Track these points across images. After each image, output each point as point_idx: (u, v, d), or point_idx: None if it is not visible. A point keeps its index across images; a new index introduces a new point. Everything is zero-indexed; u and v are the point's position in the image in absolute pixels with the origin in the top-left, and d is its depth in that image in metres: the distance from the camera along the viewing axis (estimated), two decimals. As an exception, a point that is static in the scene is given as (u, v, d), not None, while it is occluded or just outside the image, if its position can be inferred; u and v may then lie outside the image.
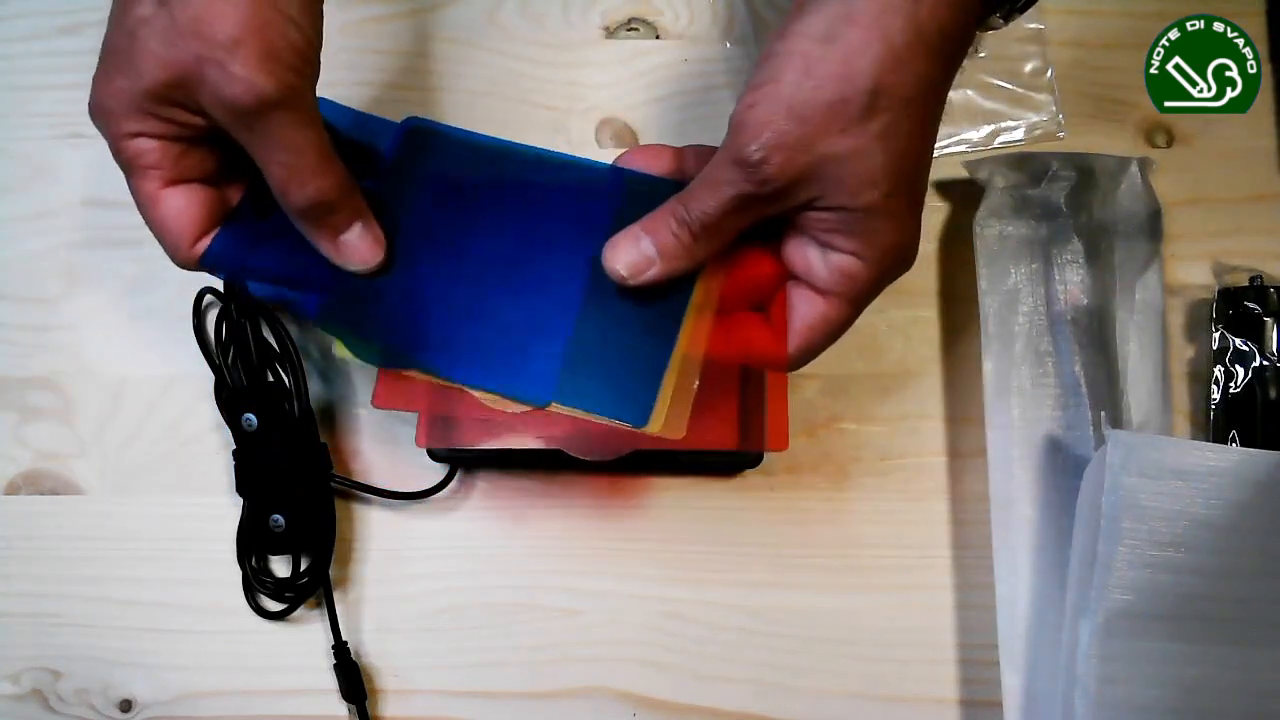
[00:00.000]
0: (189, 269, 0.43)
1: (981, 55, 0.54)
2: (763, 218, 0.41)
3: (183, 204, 0.42)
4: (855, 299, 0.42)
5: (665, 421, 0.42)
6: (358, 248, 0.43)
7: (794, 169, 0.38)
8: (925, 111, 0.39)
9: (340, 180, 0.42)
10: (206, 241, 0.43)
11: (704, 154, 0.45)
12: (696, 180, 0.41)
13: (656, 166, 0.45)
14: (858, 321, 0.52)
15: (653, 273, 0.42)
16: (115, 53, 0.40)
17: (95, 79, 0.40)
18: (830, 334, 0.43)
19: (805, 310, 0.42)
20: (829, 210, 0.40)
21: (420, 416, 0.46)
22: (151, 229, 0.43)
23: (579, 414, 0.43)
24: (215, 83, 0.38)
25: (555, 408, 0.43)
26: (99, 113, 0.41)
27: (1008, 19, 0.39)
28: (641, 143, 0.54)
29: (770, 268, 0.43)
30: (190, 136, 0.41)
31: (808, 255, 0.42)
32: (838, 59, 0.37)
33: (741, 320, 0.44)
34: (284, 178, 0.40)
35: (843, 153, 0.38)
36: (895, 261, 0.41)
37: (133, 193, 0.42)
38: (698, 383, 0.43)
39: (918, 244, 0.41)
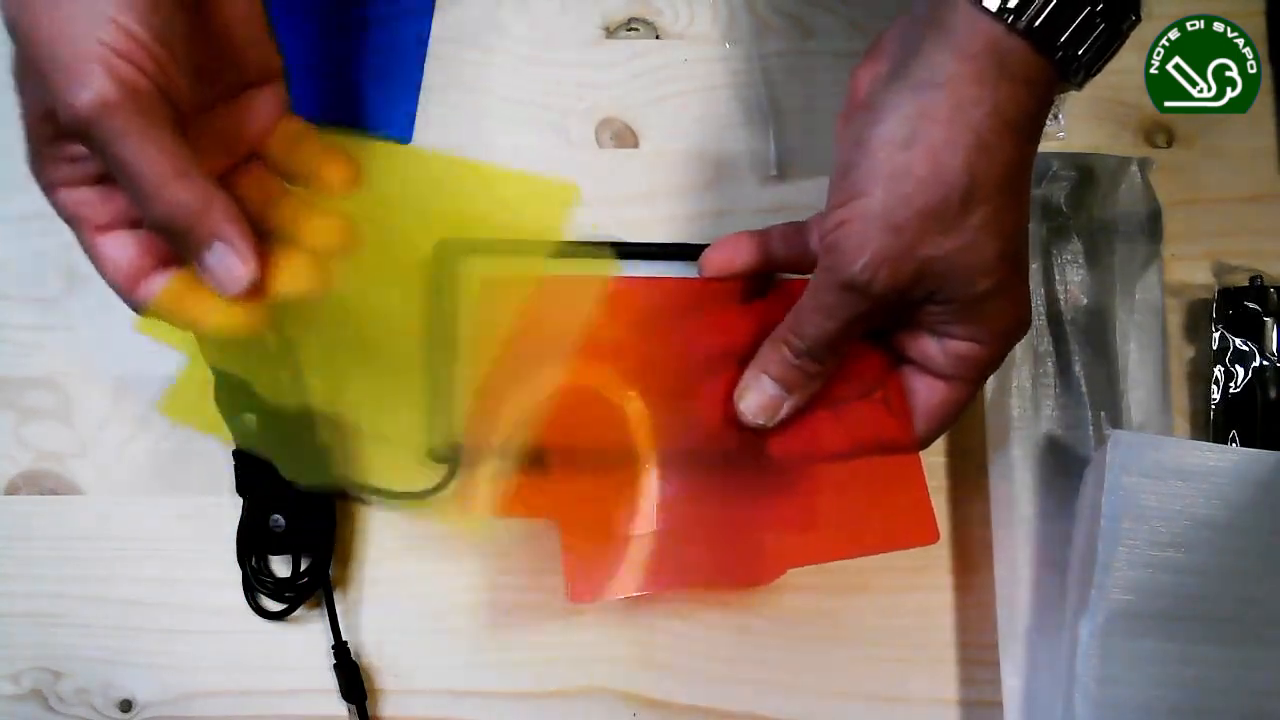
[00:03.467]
0: (141, 314, 0.41)
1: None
2: (880, 326, 0.41)
3: (118, 250, 0.40)
4: (978, 380, 0.42)
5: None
6: (216, 270, 0.38)
7: (903, 279, 0.38)
8: (1019, 192, 0.39)
9: (192, 197, 0.37)
10: (150, 283, 0.40)
11: (789, 235, 0.45)
12: (803, 306, 0.41)
13: (741, 259, 0.45)
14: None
15: (787, 409, 0.42)
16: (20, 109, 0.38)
17: None
18: (956, 414, 0.43)
19: (927, 395, 0.42)
20: (942, 304, 0.39)
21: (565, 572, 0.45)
22: (100, 274, 0.41)
23: None
24: (54, 106, 0.36)
25: None
26: (31, 171, 0.39)
27: (1082, 85, 0.39)
28: (642, 144, 0.54)
29: (880, 358, 0.43)
30: (99, 175, 0.39)
31: (923, 345, 0.42)
32: (925, 161, 0.37)
33: (860, 410, 0.44)
34: (131, 194, 0.37)
35: (950, 252, 0.38)
36: (1014, 336, 0.41)
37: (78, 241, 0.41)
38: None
39: (1030, 310, 0.41)
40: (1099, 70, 0.39)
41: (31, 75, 0.37)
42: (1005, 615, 0.48)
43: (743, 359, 0.44)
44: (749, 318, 0.45)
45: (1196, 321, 0.52)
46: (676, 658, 0.50)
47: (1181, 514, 0.44)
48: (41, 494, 0.51)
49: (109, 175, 0.38)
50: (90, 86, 0.35)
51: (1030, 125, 0.38)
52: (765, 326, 0.43)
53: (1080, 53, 0.37)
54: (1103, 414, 0.47)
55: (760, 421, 0.43)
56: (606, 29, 0.55)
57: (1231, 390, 0.51)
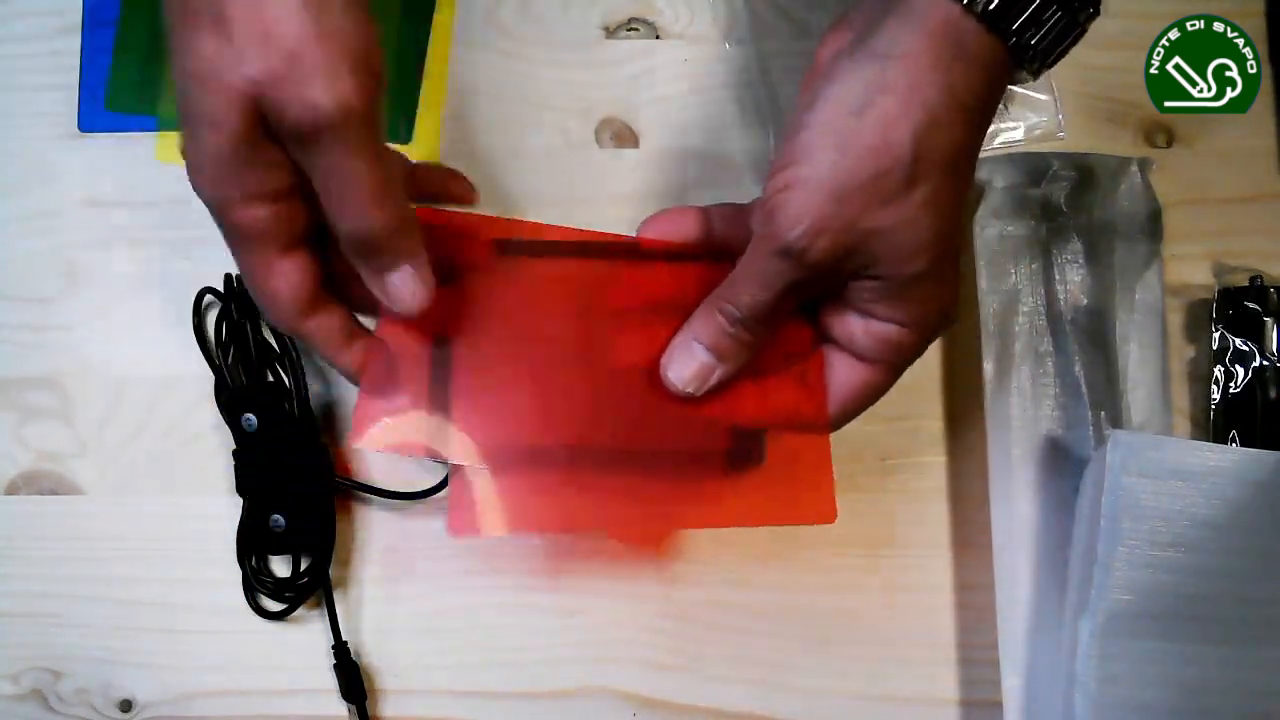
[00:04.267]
0: (291, 334, 0.42)
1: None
2: (811, 297, 0.41)
3: (294, 276, 0.40)
4: (898, 366, 0.42)
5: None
6: (400, 291, 0.40)
7: (840, 249, 0.38)
8: (962, 174, 0.39)
9: (395, 216, 0.38)
10: (320, 316, 0.41)
11: (728, 215, 0.45)
12: (738, 273, 0.41)
13: (681, 231, 0.45)
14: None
15: (717, 377, 0.42)
16: (191, 108, 0.36)
17: (184, 151, 0.37)
18: (872, 399, 0.43)
19: (845, 376, 0.42)
20: (873, 279, 0.39)
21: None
22: (259, 299, 0.41)
23: None
24: (279, 103, 0.35)
25: None
26: (200, 184, 0.37)
27: (1037, 74, 0.39)
28: (642, 144, 0.54)
29: (805, 334, 0.43)
30: (289, 186, 0.38)
31: (848, 324, 0.41)
32: (874, 131, 0.37)
33: (778, 384, 0.43)
34: (334, 206, 0.37)
35: (888, 226, 0.37)
36: (939, 324, 0.41)
37: (240, 263, 0.40)
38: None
39: (958, 300, 0.41)
40: (1055, 60, 0.39)
41: (239, 67, 0.34)
42: (1005, 615, 0.48)
43: (666, 318, 0.43)
44: (681, 279, 0.45)
45: (1196, 321, 0.52)
46: (676, 658, 0.50)
47: (1181, 514, 0.44)
48: (41, 494, 0.51)
49: (293, 190, 0.38)
50: (336, 86, 0.34)
51: (982, 108, 0.38)
52: (696, 291, 0.43)
53: (1035, 40, 0.37)
54: (1103, 414, 0.47)
55: (689, 390, 0.42)
56: (606, 29, 0.55)
57: (1231, 390, 0.51)
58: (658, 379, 0.43)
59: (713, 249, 0.45)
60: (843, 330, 0.42)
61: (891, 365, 0.42)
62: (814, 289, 0.40)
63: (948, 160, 0.37)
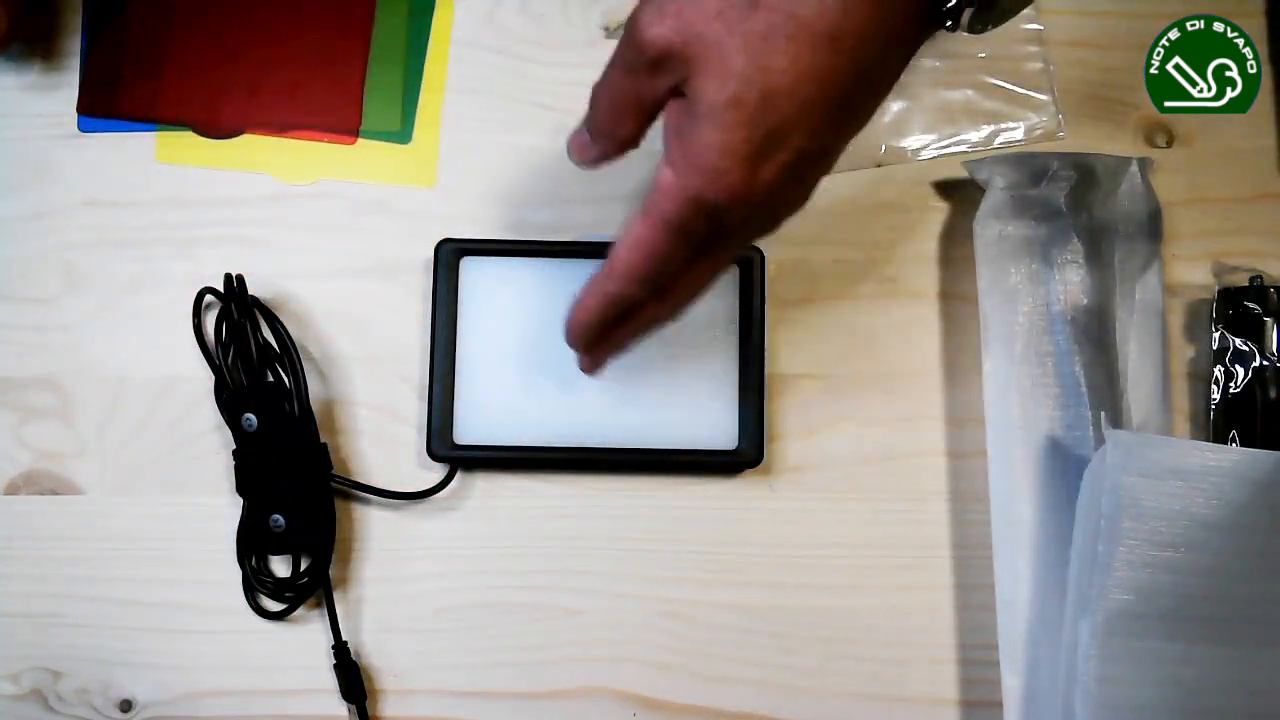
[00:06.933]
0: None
1: (981, 55, 0.54)
2: (653, 95, 0.38)
3: None
4: (663, 216, 0.38)
5: None
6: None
7: (674, 39, 0.36)
8: (833, 59, 0.35)
9: None
10: None
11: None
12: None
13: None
14: (857, 321, 0.52)
15: (591, 149, 0.42)
16: None
17: None
18: (647, 256, 0.39)
19: (626, 229, 0.39)
20: (681, 97, 0.37)
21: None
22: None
23: None
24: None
25: None
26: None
27: (953, 29, 0.38)
28: (641, 143, 0.54)
29: None
30: None
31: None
32: None
33: None
34: None
35: (711, 38, 0.36)
36: (706, 183, 0.37)
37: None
38: None
39: (748, 188, 0.37)
40: (974, 16, 0.38)
41: None
42: (1005, 615, 0.48)
43: None
44: None
45: (1196, 321, 0.52)
46: (676, 658, 0.50)
47: (1181, 514, 0.44)
48: (41, 494, 0.51)
49: None
50: None
51: (885, 19, 0.36)
52: None
53: None
54: (1103, 414, 0.47)
55: (575, 159, 0.42)
56: (606, 29, 0.55)
57: (1231, 390, 0.51)
58: None
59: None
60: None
61: (656, 216, 0.38)
62: (648, 79, 0.38)
63: (810, 18, 0.35)
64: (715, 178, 0.37)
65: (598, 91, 0.41)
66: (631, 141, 0.41)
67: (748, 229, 0.41)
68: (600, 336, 0.43)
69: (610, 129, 0.41)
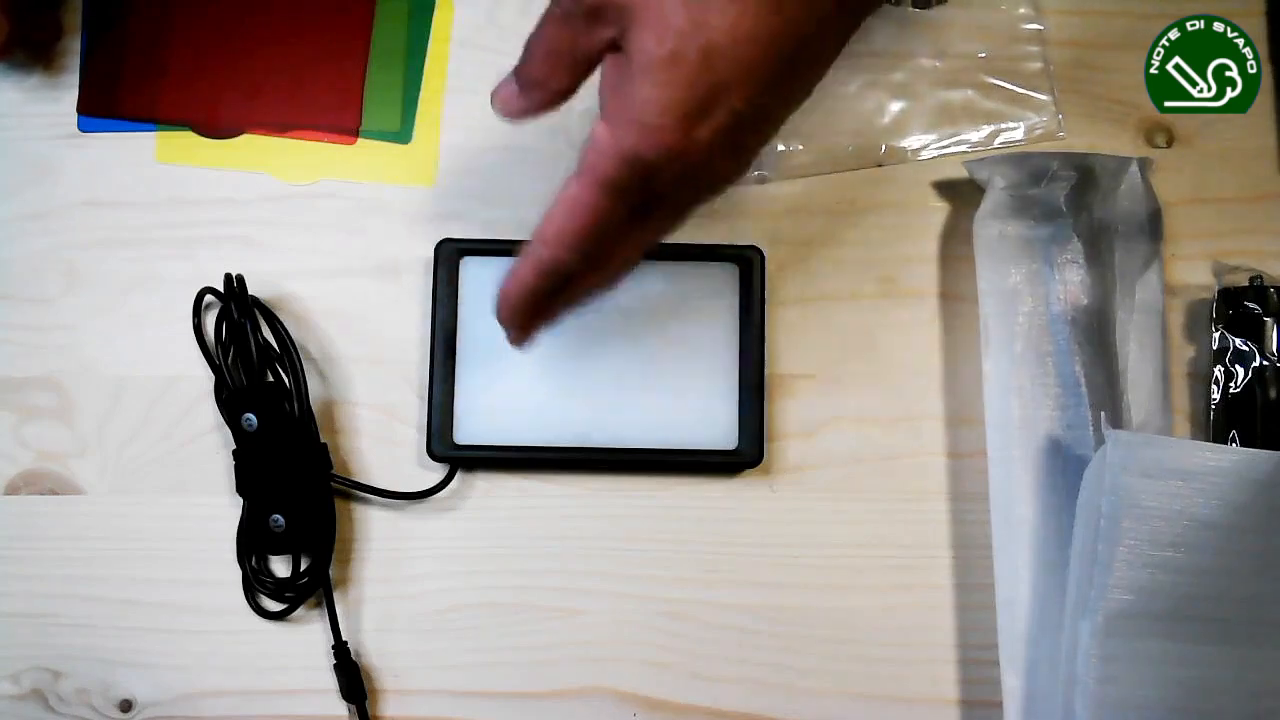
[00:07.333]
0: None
1: (981, 55, 0.54)
2: (588, 47, 0.38)
3: None
4: (597, 175, 0.37)
5: None
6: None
7: None
8: (775, 21, 0.35)
9: None
10: None
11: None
12: None
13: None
14: (856, 320, 0.52)
15: (519, 100, 0.41)
16: None
17: None
18: (582, 218, 0.38)
19: (561, 190, 0.38)
20: (617, 51, 0.37)
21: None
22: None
23: None
24: None
25: None
26: None
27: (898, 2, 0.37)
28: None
29: None
30: None
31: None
32: None
33: None
34: None
35: None
36: (641, 139, 0.36)
37: None
38: None
39: (684, 146, 0.36)
40: None
41: None
42: (1005, 615, 0.48)
43: None
44: None
45: (1196, 321, 0.52)
46: (676, 658, 0.50)
47: (1181, 514, 0.44)
48: (41, 494, 0.51)
49: None
50: None
51: None
52: None
53: None
54: (1103, 414, 0.47)
55: (499, 110, 0.42)
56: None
57: (1231, 390, 0.51)
58: None
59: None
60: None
61: (591, 173, 0.37)
62: (583, 32, 0.37)
63: None
64: (651, 134, 0.36)
65: (532, 41, 0.40)
66: (564, 94, 0.40)
67: (683, 192, 0.40)
68: (534, 310, 0.42)
69: (543, 79, 0.40)
